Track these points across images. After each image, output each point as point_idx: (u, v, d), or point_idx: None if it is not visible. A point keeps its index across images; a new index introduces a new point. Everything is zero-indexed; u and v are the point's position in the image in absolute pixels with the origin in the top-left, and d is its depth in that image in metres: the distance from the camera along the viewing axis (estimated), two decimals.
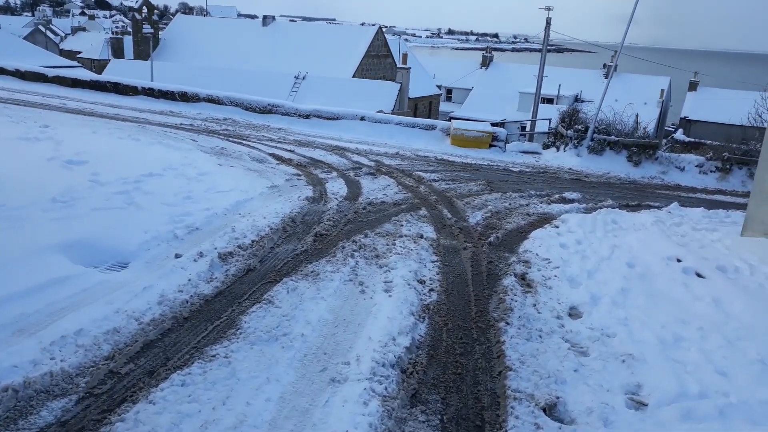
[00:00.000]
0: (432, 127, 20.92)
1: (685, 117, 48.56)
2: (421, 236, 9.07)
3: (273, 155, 15.54)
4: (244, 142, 16.95)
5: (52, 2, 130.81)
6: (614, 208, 13.59)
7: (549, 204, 13.35)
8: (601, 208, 13.48)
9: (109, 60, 44.70)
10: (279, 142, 17.63)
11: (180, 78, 31.92)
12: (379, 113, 22.77)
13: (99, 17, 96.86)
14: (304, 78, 34.76)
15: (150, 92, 21.81)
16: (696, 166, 20.05)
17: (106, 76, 25.73)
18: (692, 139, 44.27)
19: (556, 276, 7.53)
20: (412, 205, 11.54)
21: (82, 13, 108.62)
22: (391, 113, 30.83)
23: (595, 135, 20.19)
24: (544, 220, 11.65)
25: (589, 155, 20.11)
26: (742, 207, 15.76)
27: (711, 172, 19.94)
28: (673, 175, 19.55)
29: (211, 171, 12.23)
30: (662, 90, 48.65)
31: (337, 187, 12.63)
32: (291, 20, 49.11)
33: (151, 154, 13.11)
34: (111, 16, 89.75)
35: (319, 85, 34.21)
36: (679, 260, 9.03)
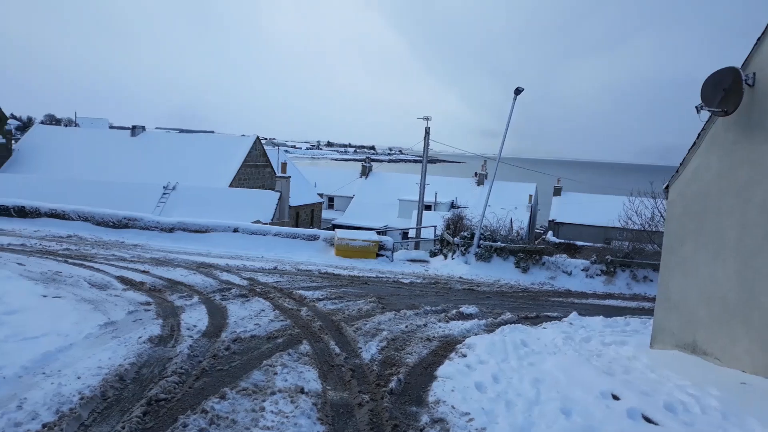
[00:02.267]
0: (314, 237, 18.90)
1: (553, 219, 50.51)
2: (302, 390, 6.64)
3: (120, 278, 12.62)
4: (87, 263, 13.87)
5: None
6: (515, 322, 12.14)
7: (447, 322, 11.53)
8: (501, 323, 11.99)
9: None
10: (132, 261, 14.70)
11: (32, 191, 28.02)
12: (256, 224, 20.47)
13: None
14: (174, 188, 31.88)
15: None
16: (582, 270, 19.43)
17: None
18: (562, 240, 45.74)
19: None
20: (291, 339, 9.13)
21: None
22: (271, 223, 28.59)
23: (481, 242, 19.13)
24: (448, 345, 9.71)
25: (477, 262, 18.93)
26: (635, 312, 14.93)
27: (597, 275, 19.35)
28: (561, 280, 18.71)
29: (26, 306, 9.18)
30: (530, 195, 50.64)
31: (195, 318, 9.99)
32: (165, 131, 46.46)
33: None
34: None
35: (190, 195, 31.45)
36: (615, 397, 7.29)
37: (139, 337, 8.32)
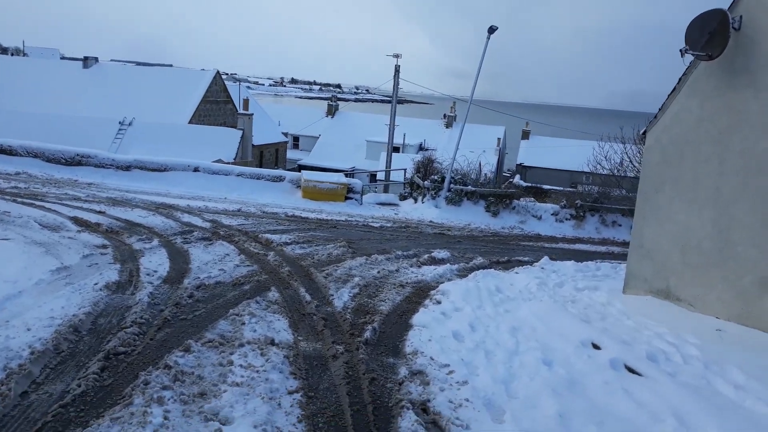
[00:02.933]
0: (280, 179, 18.30)
1: (521, 163, 50.61)
2: (272, 342, 6.30)
3: (74, 219, 11.93)
4: (38, 202, 13.07)
5: None
6: (487, 267, 12.02)
7: (420, 267, 11.32)
8: (473, 267, 11.86)
9: None
10: (87, 201, 13.93)
11: None
12: (218, 163, 19.71)
13: None
14: (130, 124, 30.50)
15: None
16: (552, 215, 19.40)
17: None
18: (530, 184, 45.95)
19: (467, 401, 5.17)
20: (258, 285, 8.74)
21: None
22: (234, 162, 27.72)
23: (451, 185, 18.84)
24: (422, 292, 9.49)
25: (447, 206, 18.69)
26: (605, 256, 15.00)
27: (566, 219, 19.36)
28: (531, 224, 18.67)
29: None
30: (498, 138, 50.42)
31: (156, 263, 9.48)
32: (117, 62, 44.13)
33: None
34: None
35: (148, 131, 30.16)
36: (596, 346, 7.19)
37: (95, 284, 7.81)
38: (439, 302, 8.85)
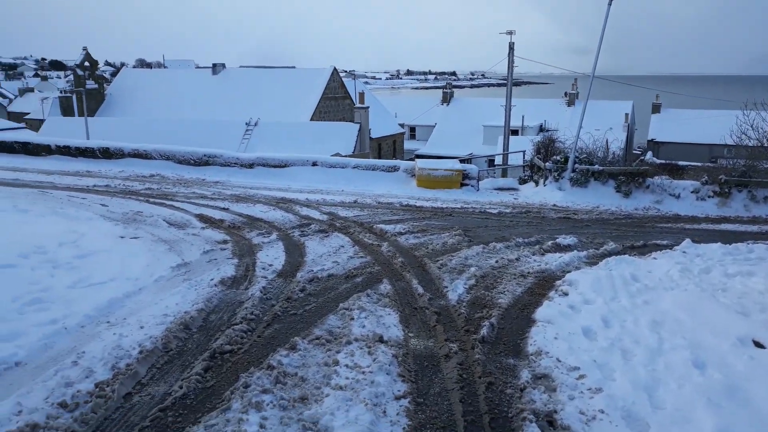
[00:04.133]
0: (394, 169, 17.95)
1: (652, 139, 46.79)
2: (381, 339, 5.85)
3: (200, 216, 12.29)
4: (168, 202, 13.68)
5: (3, 66, 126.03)
6: (620, 253, 10.83)
7: (543, 255, 10.39)
8: (604, 254, 10.70)
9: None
10: (212, 198, 14.39)
11: (121, 133, 28.70)
12: (335, 157, 19.76)
13: (52, 77, 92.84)
14: (255, 124, 31.68)
15: (66, 151, 18.43)
16: (692, 192, 17.39)
17: (13, 135, 22.27)
18: (664, 161, 42.32)
19: (602, 412, 4.38)
20: (370, 277, 8.37)
21: (36, 75, 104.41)
22: (352, 155, 27.90)
23: (576, 165, 17.45)
24: (546, 282, 8.64)
25: (572, 188, 17.32)
26: (758, 237, 13.08)
27: (709, 197, 17.27)
28: (668, 203, 16.83)
29: (100, 249, 8.92)
30: (626, 114, 46.89)
31: (272, 257, 9.42)
32: (242, 67, 46.28)
33: (29, 230, 9.78)
34: (66, 76, 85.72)
35: (272, 130, 31.16)
36: (759, 344, 6.03)
37: (211, 279, 7.82)
38: (566, 294, 7.97)
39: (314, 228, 11.64)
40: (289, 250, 9.95)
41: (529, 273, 9.07)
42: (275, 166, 17.93)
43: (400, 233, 11.43)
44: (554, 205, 15.77)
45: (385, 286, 7.89)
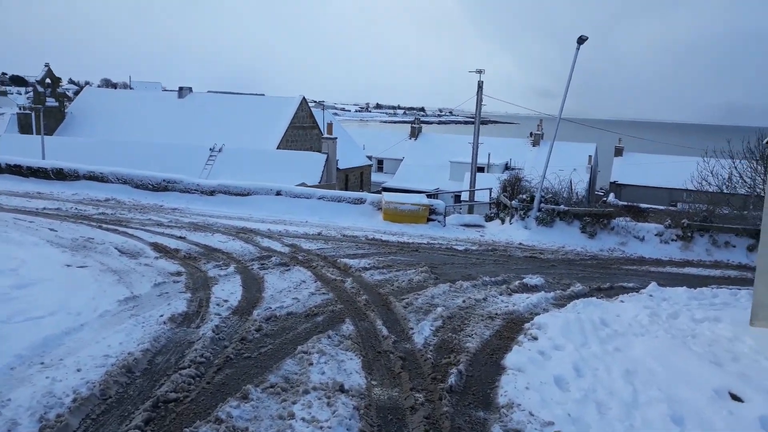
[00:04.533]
0: (361, 201, 17.64)
1: (614, 181, 47.76)
2: (341, 388, 5.41)
3: (154, 245, 11.69)
4: (122, 228, 13.01)
5: None
6: (587, 295, 10.71)
7: (510, 295, 10.15)
8: (572, 296, 10.55)
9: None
10: (169, 226, 13.78)
11: (80, 154, 27.73)
12: (300, 187, 19.35)
13: (12, 93, 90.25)
14: (220, 150, 31.10)
15: (17, 170, 17.56)
16: (656, 235, 17.53)
17: None
18: (626, 203, 43.10)
19: None
20: (332, 316, 7.93)
21: None
22: (318, 186, 27.53)
23: (542, 205, 17.44)
24: (514, 324, 8.35)
25: (538, 227, 17.28)
26: (720, 281, 13.15)
27: (672, 240, 17.44)
28: (633, 246, 16.92)
29: (42, 278, 8.28)
30: (590, 156, 47.92)
31: (228, 291, 8.91)
32: (211, 92, 45.73)
33: None
34: (27, 93, 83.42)
35: (237, 157, 30.62)
36: (735, 398, 5.81)
37: (161, 316, 7.27)
38: (535, 338, 7.68)
39: (275, 261, 11.16)
40: (246, 284, 9.45)
41: (496, 314, 8.78)
42: (237, 194, 17.42)
43: (365, 268, 11.06)
44: (520, 243, 15.65)
45: (348, 327, 7.47)
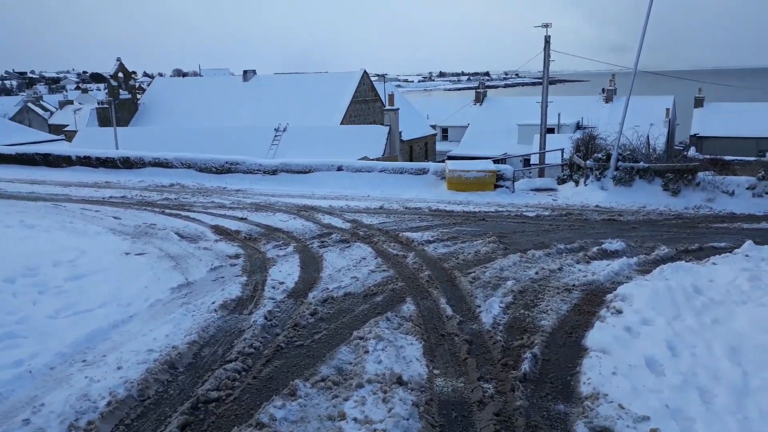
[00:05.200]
0: (423, 171, 16.87)
1: (695, 134, 44.47)
2: (399, 380, 4.79)
3: (215, 228, 11.44)
4: (184, 212, 12.88)
5: (47, 80, 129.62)
6: (674, 259, 9.59)
7: (588, 263, 9.20)
8: (657, 260, 9.48)
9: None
10: (231, 208, 13.55)
11: (151, 142, 28.34)
12: (361, 161, 18.78)
13: (92, 90, 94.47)
14: (284, 130, 30.98)
15: (87, 161, 17.89)
16: (747, 189, 15.80)
17: (34, 147, 21.85)
18: (708, 156, 40.07)
19: None
20: (392, 296, 7.32)
21: (77, 88, 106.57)
22: (382, 158, 26.92)
23: (619, 163, 16.06)
24: (594, 296, 7.47)
25: (615, 187, 15.94)
26: None
27: (766, 194, 15.67)
28: (722, 201, 15.31)
29: (98, 268, 8.09)
30: (667, 109, 44.75)
31: (285, 273, 8.46)
32: (275, 74, 45.78)
33: (27, 247, 9.05)
34: (105, 89, 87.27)
35: (301, 135, 30.41)
36: None
37: (212, 303, 6.88)
38: (619, 312, 6.78)
39: (335, 238, 10.65)
40: (305, 264, 8.98)
41: (574, 286, 7.90)
42: (299, 172, 17.05)
43: (428, 241, 10.35)
44: (597, 206, 14.47)
45: (409, 307, 6.83)
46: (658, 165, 16.18)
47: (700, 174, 16.29)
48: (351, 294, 7.40)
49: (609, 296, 7.46)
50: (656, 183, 15.97)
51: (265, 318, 6.34)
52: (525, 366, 5.00)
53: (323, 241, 10.44)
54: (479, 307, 6.81)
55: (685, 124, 48.86)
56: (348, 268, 8.73)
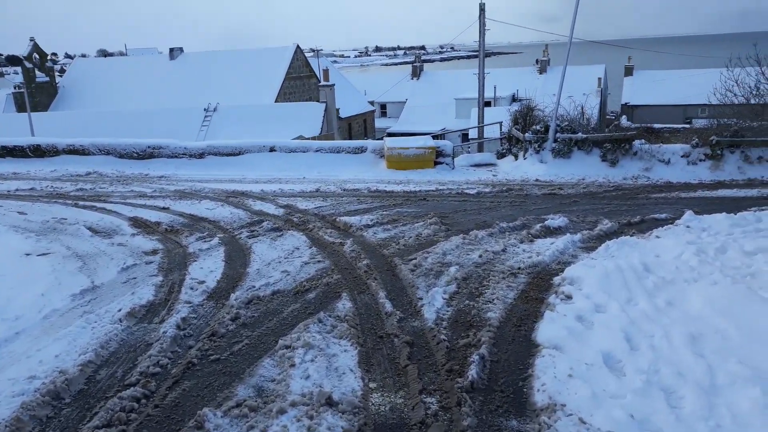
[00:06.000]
0: (362, 150, 16.09)
1: (626, 103, 45.36)
2: (329, 400, 4.08)
3: (133, 220, 10.36)
4: (100, 204, 11.67)
5: None
6: (617, 233, 9.32)
7: (532, 242, 8.77)
8: (601, 235, 9.20)
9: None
10: (152, 197, 12.42)
11: (71, 128, 26.24)
12: (296, 140, 17.81)
13: (9, 73, 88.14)
14: (215, 110, 29.42)
15: None
16: (682, 157, 15.83)
17: None
18: (638, 125, 40.93)
19: None
20: (326, 291, 6.59)
21: None
22: (319, 137, 25.92)
23: (558, 135, 15.78)
24: (541, 280, 6.99)
25: (555, 160, 15.67)
26: (760, 202, 11.65)
27: (700, 161, 15.76)
28: (658, 170, 15.29)
29: None
30: (599, 78, 45.34)
31: (207, 269, 7.58)
32: (204, 52, 43.50)
33: None
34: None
35: (232, 115, 28.95)
36: None
37: (119, 310, 5.97)
38: (569, 297, 6.29)
39: (266, 226, 9.80)
40: (230, 258, 8.12)
41: (519, 269, 7.39)
42: (228, 155, 15.95)
43: (367, 226, 9.66)
44: (537, 180, 14.13)
45: (344, 304, 6.12)
46: (596, 135, 15.99)
47: (636, 143, 16.19)
48: (280, 292, 6.62)
49: (556, 279, 6.99)
50: (594, 154, 15.79)
51: (178, 327, 5.50)
52: (472, 372, 4.39)
53: (253, 231, 9.57)
54: (421, 300, 6.18)
55: (616, 94, 49.80)
56: (279, 261, 7.93)
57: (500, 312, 5.88)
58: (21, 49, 40.62)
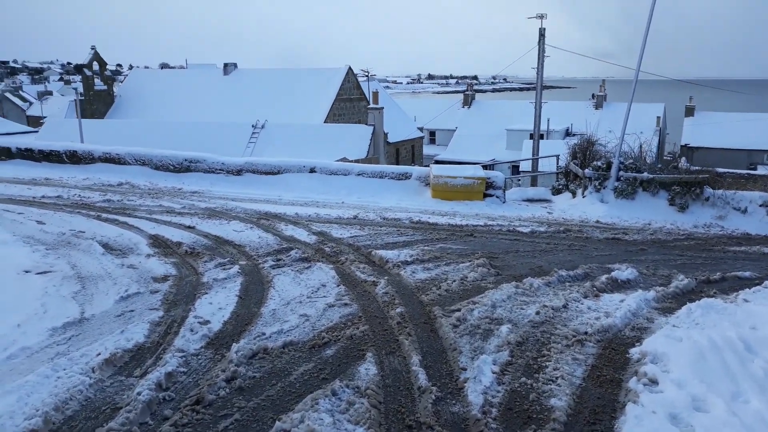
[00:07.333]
0: (406, 176, 14.92)
1: (685, 144, 42.88)
2: None
3: (153, 238, 9.40)
4: (123, 218, 10.80)
5: (30, 71, 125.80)
6: (696, 292, 7.92)
7: (597, 297, 7.36)
8: (677, 293, 7.77)
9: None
10: (180, 213, 11.49)
11: (123, 136, 26.12)
12: (338, 162, 16.79)
13: (75, 81, 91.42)
14: (262, 127, 28.87)
15: (29, 155, 15.69)
16: (761, 206, 14.03)
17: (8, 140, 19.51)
18: (699, 167, 38.50)
19: None
20: (348, 348, 5.35)
21: (60, 79, 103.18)
22: (364, 160, 24.94)
23: (621, 173, 14.27)
24: (615, 353, 5.62)
25: (617, 200, 14.12)
26: None
27: None
28: (733, 220, 13.54)
29: None
30: (658, 117, 43.19)
31: (216, 305, 6.47)
32: (258, 69, 43.51)
33: None
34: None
35: (280, 133, 28.33)
36: None
37: (97, 355, 4.87)
38: (653, 382, 4.88)
39: (294, 255, 8.67)
40: (247, 292, 7.00)
41: (587, 334, 6.00)
42: (267, 173, 15.02)
43: (405, 262, 8.40)
44: (597, 221, 12.62)
45: (367, 369, 4.87)
46: (663, 176, 14.38)
47: (708, 188, 14.51)
48: (293, 344, 5.42)
49: (634, 352, 5.58)
50: (661, 196, 14.20)
51: (159, 386, 4.35)
52: None
53: (279, 260, 8.46)
54: (465, 371, 4.87)
55: (675, 134, 47.36)
56: (300, 301, 6.76)
57: (567, 398, 4.51)
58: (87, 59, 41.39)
